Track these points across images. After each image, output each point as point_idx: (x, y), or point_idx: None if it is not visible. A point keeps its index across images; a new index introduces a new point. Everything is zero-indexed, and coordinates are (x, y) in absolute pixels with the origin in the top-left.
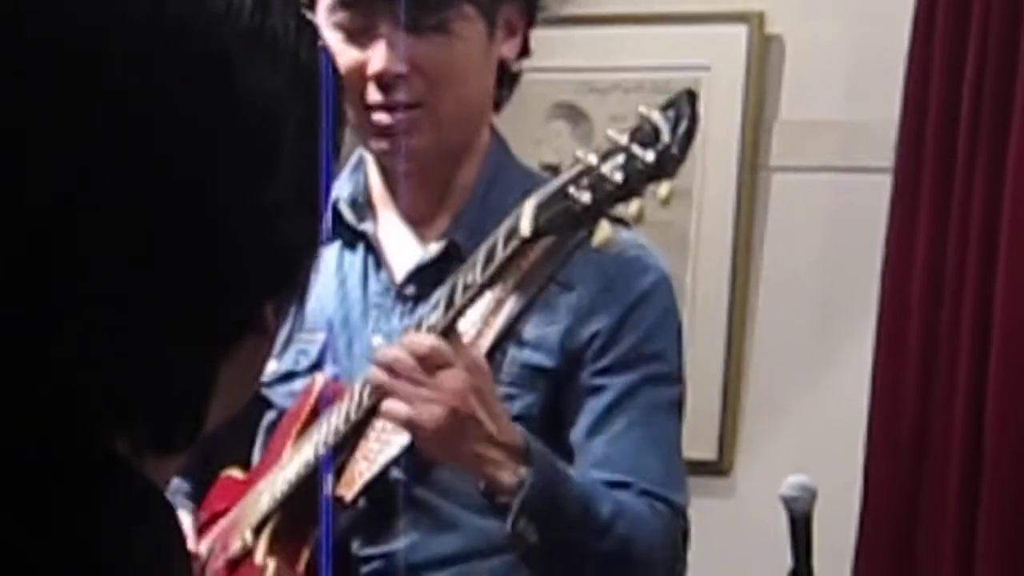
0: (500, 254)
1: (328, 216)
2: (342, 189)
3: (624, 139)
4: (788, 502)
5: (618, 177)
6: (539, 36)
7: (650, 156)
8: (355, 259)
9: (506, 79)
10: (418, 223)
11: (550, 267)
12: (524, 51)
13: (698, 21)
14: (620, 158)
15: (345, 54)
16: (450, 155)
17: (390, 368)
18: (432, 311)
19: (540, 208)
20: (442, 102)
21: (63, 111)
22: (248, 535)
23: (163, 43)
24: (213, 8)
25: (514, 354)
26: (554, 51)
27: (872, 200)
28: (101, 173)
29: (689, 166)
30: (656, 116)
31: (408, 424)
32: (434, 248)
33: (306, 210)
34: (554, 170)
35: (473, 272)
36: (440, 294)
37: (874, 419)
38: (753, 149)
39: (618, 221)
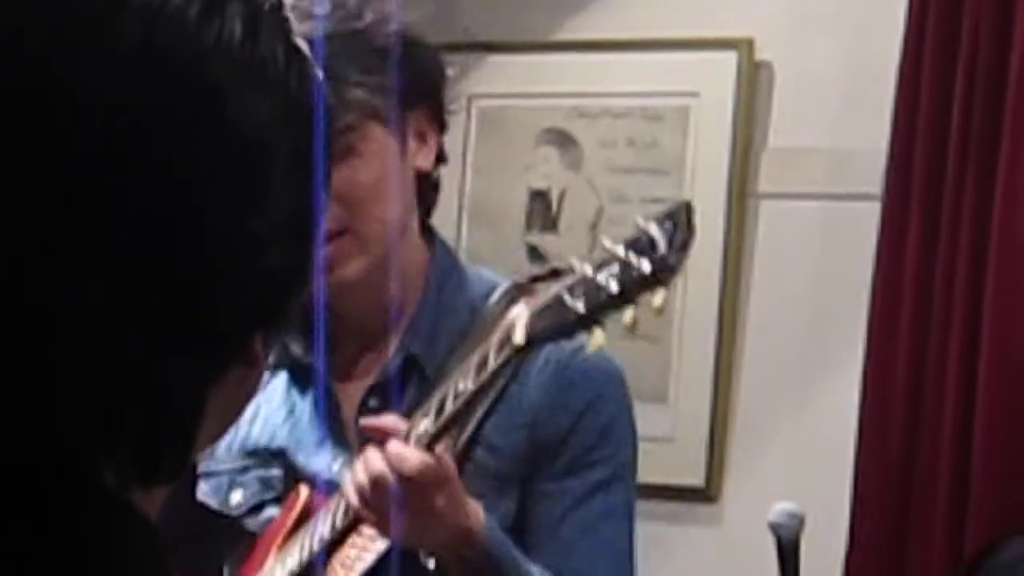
0: (492, 363)
1: (275, 349)
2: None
3: (620, 249)
4: (776, 529)
5: (614, 287)
6: (528, 62)
7: (646, 266)
8: (305, 384)
9: (427, 188)
10: (372, 342)
11: (509, 369)
12: (440, 157)
13: (687, 47)
14: (615, 267)
15: None
16: (386, 276)
17: (375, 484)
18: (421, 419)
19: (534, 316)
20: (366, 225)
21: (51, 141)
22: None
23: (152, 73)
24: (203, 38)
25: (486, 461)
26: (543, 77)
27: (861, 227)
28: (90, 203)
29: (677, 192)
30: (653, 227)
31: (387, 534)
32: (394, 363)
33: (297, 240)
34: (543, 196)
35: (465, 380)
36: (430, 403)
37: (862, 445)
38: (742, 175)
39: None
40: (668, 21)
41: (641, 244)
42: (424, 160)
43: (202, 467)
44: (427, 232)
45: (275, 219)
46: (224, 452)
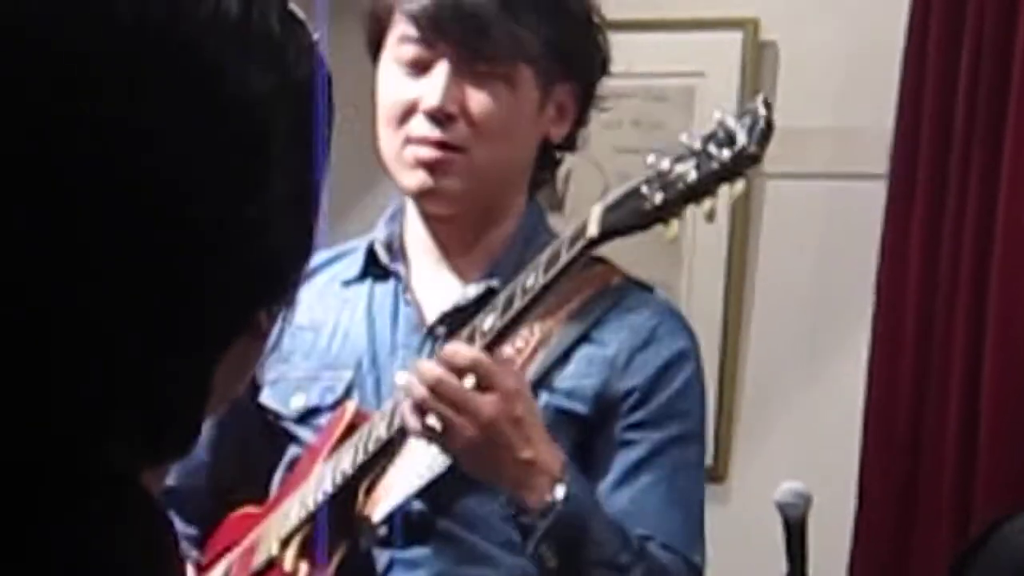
0: (564, 256)
1: (362, 257)
2: (378, 233)
3: (698, 143)
4: (783, 509)
5: (692, 177)
6: None
7: (726, 154)
8: (386, 300)
9: (548, 161)
10: (454, 268)
11: (584, 324)
12: (570, 143)
13: (693, 28)
14: (693, 160)
15: (403, 87)
16: (482, 209)
17: (430, 386)
18: (488, 315)
19: (608, 210)
20: (483, 152)
21: (47, 118)
22: (275, 547)
23: (148, 49)
24: (199, 13)
25: (547, 400)
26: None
27: (867, 206)
28: (90, 182)
29: None
30: (731, 121)
31: (441, 445)
32: (472, 291)
33: (299, 216)
34: None
35: (535, 275)
36: (498, 299)
37: (869, 425)
38: None
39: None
40: (673, 2)
41: (719, 137)
42: (556, 132)
43: (273, 374)
44: (531, 199)
45: (276, 195)
46: (300, 359)
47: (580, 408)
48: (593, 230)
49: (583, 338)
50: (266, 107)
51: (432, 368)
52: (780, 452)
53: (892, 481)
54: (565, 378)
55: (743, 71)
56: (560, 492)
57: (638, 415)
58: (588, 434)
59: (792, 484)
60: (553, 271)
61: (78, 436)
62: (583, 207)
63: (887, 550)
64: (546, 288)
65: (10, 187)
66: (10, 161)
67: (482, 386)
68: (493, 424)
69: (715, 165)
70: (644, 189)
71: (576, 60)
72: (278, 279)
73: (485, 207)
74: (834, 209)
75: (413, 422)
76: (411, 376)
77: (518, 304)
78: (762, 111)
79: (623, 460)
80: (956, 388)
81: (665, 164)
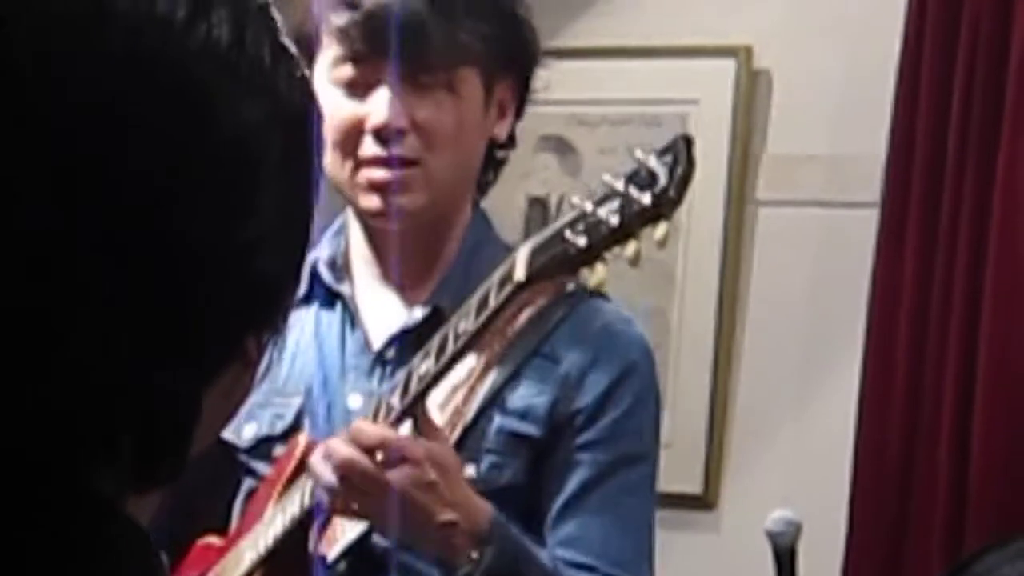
0: (493, 300)
1: (306, 277)
2: (322, 250)
3: (620, 184)
4: (773, 536)
5: (614, 220)
6: None
7: (647, 198)
8: (333, 321)
9: (492, 161)
10: (401, 288)
11: (536, 337)
12: (510, 140)
13: (686, 55)
14: (616, 202)
15: (344, 108)
16: (434, 222)
17: (340, 468)
18: (423, 360)
19: (535, 253)
20: (438, 162)
21: (41, 150)
22: None
23: (140, 78)
24: (190, 42)
25: (500, 422)
26: (541, 84)
27: (859, 234)
28: (81, 212)
29: None
30: (652, 160)
31: (360, 518)
32: (419, 313)
33: (288, 243)
34: (541, 203)
35: (466, 320)
36: (432, 343)
37: (860, 452)
38: (740, 183)
39: (601, 294)
40: (667, 29)
41: (641, 177)
42: (499, 131)
43: None
44: (475, 203)
45: (266, 223)
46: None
47: (533, 431)
48: (520, 275)
49: (535, 352)
50: (257, 136)
51: (340, 449)
52: (771, 480)
53: (883, 509)
54: (517, 397)
55: (736, 98)
56: (484, 551)
57: (585, 436)
58: (542, 456)
59: (783, 512)
60: (484, 316)
61: (63, 462)
62: None
63: None
64: (478, 332)
65: (6, 203)
66: (6, 179)
67: (392, 460)
68: (405, 494)
69: (636, 208)
70: (568, 233)
71: (514, 55)
72: (268, 306)
73: (436, 221)
74: (826, 237)
75: (328, 500)
76: (319, 460)
77: (451, 348)
78: (683, 150)
79: (571, 483)
80: (947, 416)
81: (588, 207)
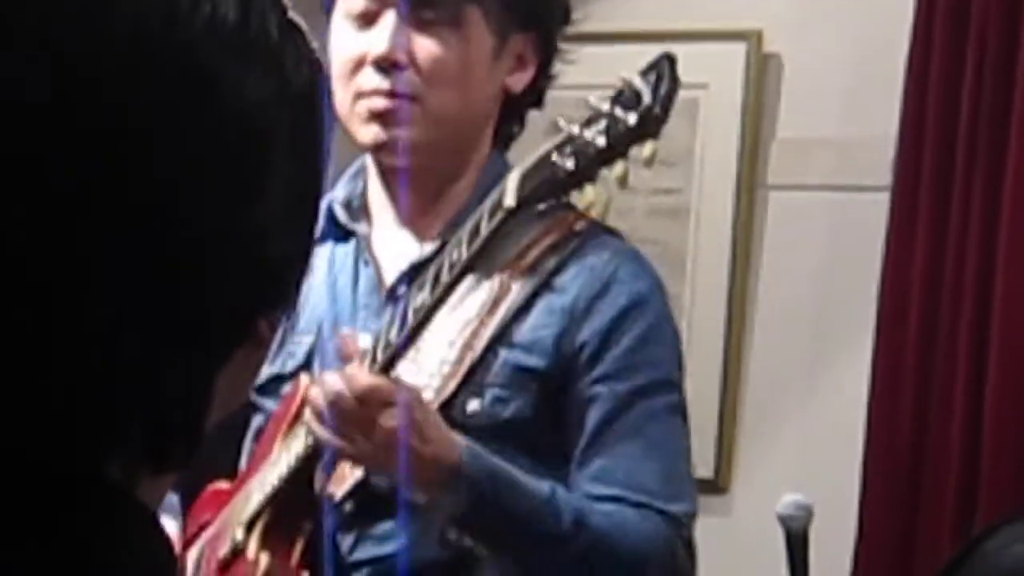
0: (484, 228)
1: (322, 218)
2: (338, 192)
3: (605, 105)
4: (784, 521)
5: (601, 141)
6: None
7: (632, 118)
8: (346, 260)
9: (514, 114)
10: (413, 227)
11: (546, 270)
12: (537, 98)
13: (696, 39)
14: (602, 123)
15: (352, 41)
16: (443, 159)
17: (331, 402)
18: (419, 291)
19: (524, 179)
20: (437, 99)
21: (44, 124)
22: (239, 533)
23: (145, 57)
24: (195, 23)
25: (506, 356)
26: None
27: (870, 218)
28: (88, 195)
29: (686, 184)
30: (637, 80)
31: (344, 456)
32: (428, 248)
33: (297, 224)
34: None
35: (459, 249)
36: (427, 275)
37: (871, 437)
38: (751, 167)
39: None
40: (677, 13)
41: (626, 98)
42: (515, 82)
43: None
44: (497, 153)
45: (275, 202)
46: None
47: (539, 363)
48: (510, 200)
49: (544, 286)
50: (264, 114)
51: (333, 385)
52: (782, 464)
53: (894, 493)
54: (524, 331)
55: (746, 83)
56: (458, 483)
57: (598, 369)
58: (554, 391)
59: (794, 496)
60: (475, 244)
61: (77, 446)
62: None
63: (889, 562)
64: (470, 261)
65: (7, 194)
66: (7, 168)
67: (381, 406)
68: (390, 438)
69: (623, 128)
70: (555, 156)
71: (531, 8)
72: (278, 286)
73: (445, 160)
74: (837, 220)
75: (319, 431)
76: (314, 390)
77: (445, 278)
78: (666, 68)
79: (591, 419)
80: (959, 400)
81: (575, 129)
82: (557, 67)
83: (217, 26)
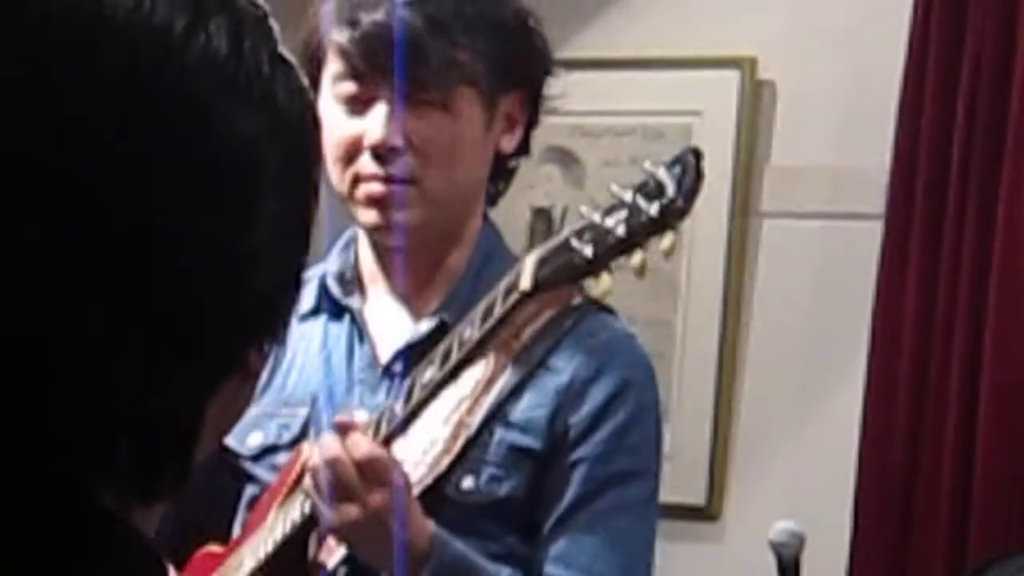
0: (499, 309)
1: (315, 290)
2: (331, 264)
3: (628, 195)
4: (776, 548)
5: (621, 231)
6: None
7: (654, 209)
8: (340, 334)
9: (502, 173)
10: (407, 302)
11: (541, 349)
12: (524, 148)
13: (690, 66)
14: (623, 212)
15: (345, 125)
16: (439, 236)
17: (329, 463)
18: (427, 368)
19: (541, 262)
20: (434, 181)
21: (41, 164)
22: None
23: (138, 91)
24: (188, 55)
25: (502, 435)
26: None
27: (863, 246)
28: (79, 221)
29: None
30: (661, 172)
31: (329, 528)
32: (424, 326)
33: (287, 254)
34: (545, 214)
35: (471, 328)
36: (436, 351)
37: (863, 463)
38: (744, 194)
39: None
40: (671, 40)
41: (649, 188)
42: (507, 144)
43: None
44: (484, 215)
45: (265, 234)
46: (257, 395)
47: (534, 443)
48: (526, 284)
49: (539, 364)
50: (256, 147)
51: (332, 447)
52: (774, 491)
53: (887, 520)
54: (519, 410)
55: (740, 110)
56: (426, 566)
57: (579, 451)
58: (544, 469)
59: (786, 523)
60: (488, 324)
61: (68, 474)
62: None
63: None
64: (482, 340)
65: (7, 220)
66: (6, 194)
67: (377, 480)
68: (378, 515)
69: (644, 219)
70: (574, 242)
71: (518, 70)
72: (268, 316)
73: (441, 236)
74: (830, 248)
75: (315, 496)
76: (316, 454)
77: (455, 356)
78: (691, 161)
79: (565, 498)
80: (951, 428)
81: (596, 217)
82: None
83: (210, 60)
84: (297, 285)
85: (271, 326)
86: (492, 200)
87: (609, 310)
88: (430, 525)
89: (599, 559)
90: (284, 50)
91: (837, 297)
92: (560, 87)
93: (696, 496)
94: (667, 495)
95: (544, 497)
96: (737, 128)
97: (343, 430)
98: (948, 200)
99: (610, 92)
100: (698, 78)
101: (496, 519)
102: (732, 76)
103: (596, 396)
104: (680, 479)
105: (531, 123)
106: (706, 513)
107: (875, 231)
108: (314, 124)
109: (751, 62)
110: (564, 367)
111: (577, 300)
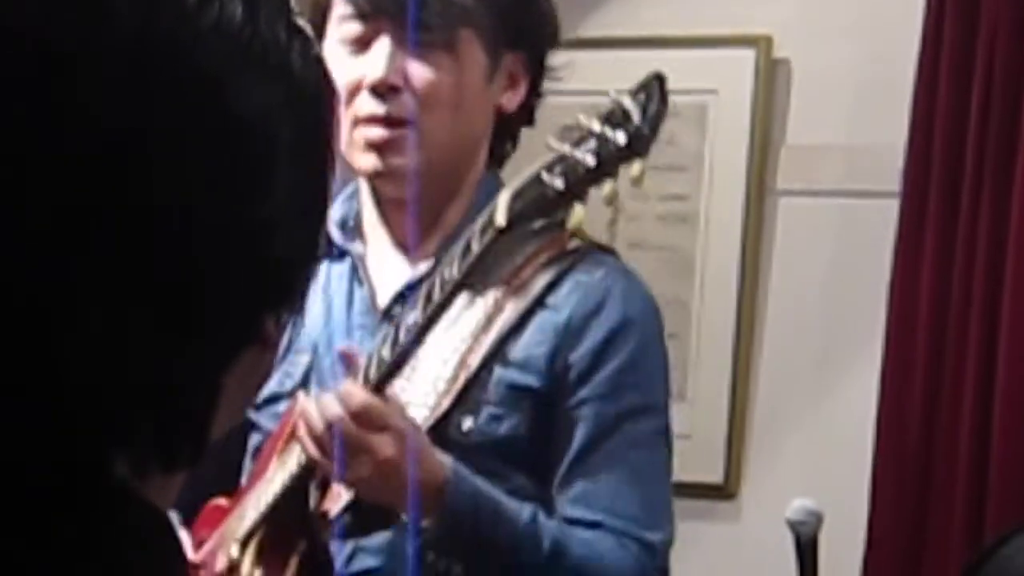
0: (476, 246)
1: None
2: (333, 212)
3: (595, 124)
4: (794, 526)
5: (590, 160)
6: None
7: (621, 138)
8: (341, 281)
9: (506, 133)
10: (407, 249)
11: (540, 288)
12: (528, 116)
13: (706, 45)
14: (592, 143)
15: (348, 66)
16: (438, 182)
17: (329, 423)
18: (411, 310)
19: (514, 198)
20: (433, 125)
21: (48, 124)
22: (234, 550)
23: (153, 59)
24: (202, 23)
25: (500, 374)
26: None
27: (878, 224)
28: (92, 193)
29: (695, 189)
30: (626, 100)
31: (339, 480)
32: (422, 267)
33: (304, 224)
34: None
35: (450, 268)
36: (419, 294)
37: (880, 442)
38: (760, 173)
39: (606, 248)
40: (686, 19)
41: (615, 117)
42: (508, 102)
43: None
44: (490, 170)
45: (280, 205)
46: None
47: (533, 381)
48: (501, 219)
49: (538, 304)
50: (270, 116)
51: (331, 406)
52: (792, 469)
53: (904, 498)
54: (519, 349)
55: (756, 88)
56: (443, 501)
57: (585, 389)
58: (546, 408)
59: (804, 501)
60: (466, 262)
61: (84, 447)
62: (595, 222)
63: (899, 567)
64: (462, 280)
65: (10, 191)
66: (10, 168)
67: (376, 426)
68: (390, 461)
69: (612, 148)
70: (545, 176)
71: (522, 27)
72: (285, 286)
73: (440, 184)
74: (846, 227)
75: (313, 451)
76: (310, 409)
77: (437, 297)
78: (656, 88)
79: (576, 439)
80: (968, 405)
81: (565, 148)
82: (546, 85)
83: (224, 28)
84: (315, 254)
85: (288, 296)
86: (499, 161)
87: (607, 250)
88: (446, 461)
89: (619, 497)
90: (299, 19)
91: (853, 275)
92: (571, 64)
93: (714, 474)
94: (684, 473)
95: (555, 439)
96: (753, 107)
97: (348, 360)
98: (964, 177)
99: (625, 71)
100: (714, 57)
101: (500, 459)
102: (748, 55)
103: (596, 333)
104: (697, 458)
105: (534, 88)
106: (724, 492)
107: (891, 209)
108: (331, 93)
109: (767, 41)
110: (563, 305)
111: (575, 243)
